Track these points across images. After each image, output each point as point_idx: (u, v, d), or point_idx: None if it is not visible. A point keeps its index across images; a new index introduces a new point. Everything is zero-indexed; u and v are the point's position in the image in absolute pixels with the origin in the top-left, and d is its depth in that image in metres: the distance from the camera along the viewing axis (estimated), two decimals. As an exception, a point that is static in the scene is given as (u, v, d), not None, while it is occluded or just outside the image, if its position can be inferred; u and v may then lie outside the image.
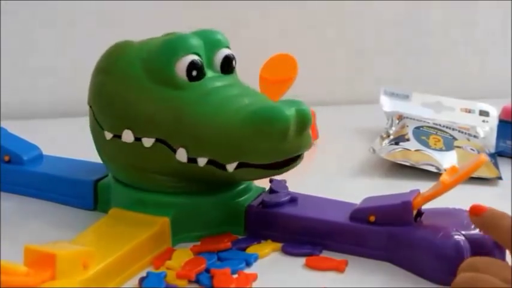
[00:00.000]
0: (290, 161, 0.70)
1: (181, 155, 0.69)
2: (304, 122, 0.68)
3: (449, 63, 1.20)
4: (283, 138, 0.67)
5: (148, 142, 0.70)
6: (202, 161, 0.69)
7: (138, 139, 0.70)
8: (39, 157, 0.84)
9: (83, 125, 0.77)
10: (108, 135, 0.72)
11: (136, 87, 0.71)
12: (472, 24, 1.19)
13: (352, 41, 1.17)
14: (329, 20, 1.16)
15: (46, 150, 0.85)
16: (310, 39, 1.16)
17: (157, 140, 0.70)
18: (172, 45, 0.71)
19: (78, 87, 0.78)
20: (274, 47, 0.96)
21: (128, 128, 0.71)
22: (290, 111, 0.66)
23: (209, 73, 0.72)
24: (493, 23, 1.19)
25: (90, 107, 0.74)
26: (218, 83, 0.72)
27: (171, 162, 0.70)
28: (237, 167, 0.68)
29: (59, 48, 1.11)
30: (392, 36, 1.18)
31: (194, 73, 0.70)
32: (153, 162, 0.71)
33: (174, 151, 0.70)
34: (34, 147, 0.84)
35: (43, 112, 1.10)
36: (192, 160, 0.69)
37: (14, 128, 0.86)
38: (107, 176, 0.78)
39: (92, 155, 0.77)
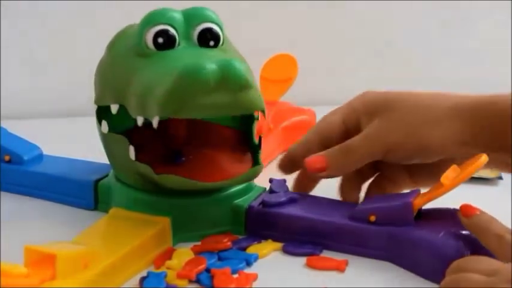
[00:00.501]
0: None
1: (140, 121, 0.69)
2: (228, 75, 0.65)
3: (449, 63, 1.20)
4: (204, 90, 0.65)
5: (114, 108, 0.71)
6: (140, 120, 0.69)
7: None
8: (40, 157, 0.84)
9: (83, 125, 0.77)
10: (104, 128, 0.72)
11: (123, 60, 0.72)
12: (472, 24, 1.19)
13: (352, 41, 1.17)
14: (329, 19, 1.16)
15: (46, 150, 0.85)
16: (310, 39, 1.16)
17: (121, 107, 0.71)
18: (147, 17, 0.71)
19: (79, 87, 0.78)
20: (274, 47, 0.96)
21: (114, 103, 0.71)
22: (210, 65, 0.65)
23: (183, 44, 0.71)
24: (493, 23, 1.19)
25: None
26: (187, 52, 0.70)
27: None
28: None
29: (59, 48, 1.11)
30: (392, 36, 1.18)
31: (160, 40, 0.70)
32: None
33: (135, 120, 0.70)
34: (34, 147, 0.84)
35: (43, 112, 1.10)
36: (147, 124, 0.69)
37: (14, 128, 0.86)
38: (107, 176, 0.78)
39: (92, 155, 0.78)
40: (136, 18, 1.05)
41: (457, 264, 0.58)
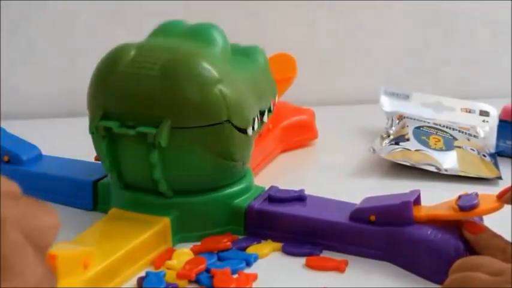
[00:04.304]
0: None
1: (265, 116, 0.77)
2: None
3: (449, 63, 1.20)
4: None
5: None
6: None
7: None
8: (39, 157, 0.83)
9: (82, 125, 0.77)
10: (251, 131, 0.73)
11: (233, 75, 0.72)
12: (472, 24, 1.19)
13: (352, 40, 1.17)
14: (329, 19, 1.16)
15: (46, 150, 0.84)
16: (310, 38, 1.15)
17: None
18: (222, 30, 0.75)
19: (79, 87, 0.78)
20: (274, 47, 0.96)
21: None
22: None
23: None
24: (493, 22, 1.19)
25: (227, 121, 0.70)
26: None
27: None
28: None
29: (59, 48, 1.11)
30: (392, 36, 1.18)
31: None
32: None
33: None
34: (33, 147, 0.84)
35: (43, 112, 1.10)
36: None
37: (14, 128, 0.86)
38: (106, 176, 0.78)
39: (92, 155, 0.77)
40: (136, 19, 1.05)
41: (462, 263, 0.58)
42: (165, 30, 0.75)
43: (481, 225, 0.66)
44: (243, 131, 0.71)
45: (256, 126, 0.74)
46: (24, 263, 0.44)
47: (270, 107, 0.78)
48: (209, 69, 0.70)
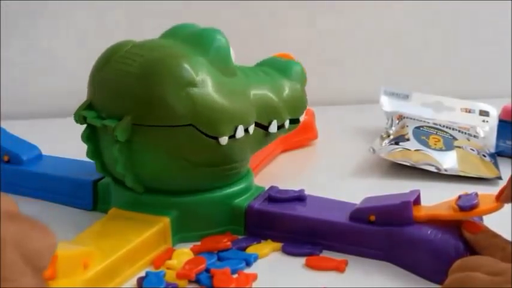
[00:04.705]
0: None
1: (273, 127, 0.76)
2: None
3: (450, 63, 1.20)
4: None
5: (251, 128, 0.73)
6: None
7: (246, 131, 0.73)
8: (39, 157, 0.84)
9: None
10: (224, 140, 0.70)
11: (223, 86, 0.71)
12: (472, 24, 1.19)
13: (352, 40, 1.17)
14: (329, 19, 1.16)
15: (46, 150, 0.84)
16: (310, 38, 1.15)
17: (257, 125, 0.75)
18: (224, 40, 0.74)
19: (79, 87, 0.78)
20: (274, 47, 0.96)
21: (239, 124, 0.72)
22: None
23: None
24: (493, 22, 1.19)
25: (191, 125, 0.70)
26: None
27: (262, 139, 0.76)
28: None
29: (60, 48, 1.11)
30: (392, 36, 1.18)
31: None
32: (251, 147, 0.75)
33: (266, 128, 0.75)
34: (33, 147, 0.84)
35: (43, 112, 1.10)
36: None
37: (14, 128, 0.86)
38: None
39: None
40: (136, 19, 1.05)
41: (461, 263, 0.58)
42: (173, 32, 0.75)
43: (481, 225, 0.66)
44: (214, 138, 0.71)
45: (239, 135, 0.71)
46: (23, 283, 0.44)
47: (286, 122, 0.78)
48: (183, 71, 0.69)
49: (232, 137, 0.71)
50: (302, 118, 0.80)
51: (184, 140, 0.70)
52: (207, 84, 0.70)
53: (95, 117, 0.72)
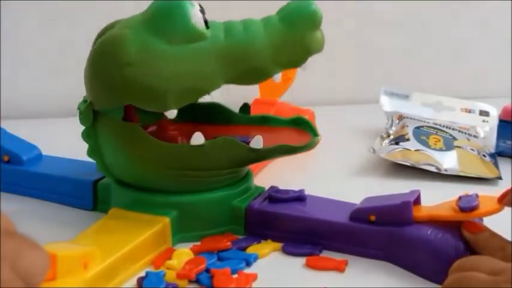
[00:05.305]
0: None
1: (257, 142, 0.72)
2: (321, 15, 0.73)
3: (450, 63, 1.20)
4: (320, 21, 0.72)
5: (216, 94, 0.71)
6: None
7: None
8: (39, 157, 0.83)
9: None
10: (172, 113, 0.70)
11: (172, 56, 0.69)
12: (472, 24, 1.19)
13: (353, 40, 1.17)
14: (329, 19, 1.16)
15: (46, 150, 0.84)
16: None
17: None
18: (177, 4, 0.71)
19: (79, 87, 0.78)
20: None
21: (193, 94, 0.70)
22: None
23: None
24: (493, 22, 1.19)
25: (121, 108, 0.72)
26: (219, 23, 0.72)
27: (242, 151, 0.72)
28: None
29: (60, 48, 1.11)
30: (393, 36, 1.18)
31: (205, 20, 0.71)
32: (222, 158, 0.72)
33: (247, 143, 0.71)
34: (33, 147, 0.84)
35: (43, 112, 1.10)
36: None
37: (14, 128, 0.86)
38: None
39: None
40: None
41: (461, 263, 0.58)
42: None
43: (480, 225, 0.66)
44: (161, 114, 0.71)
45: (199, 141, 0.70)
46: None
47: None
48: (119, 52, 0.70)
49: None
50: (302, 66, 0.73)
51: (127, 132, 0.71)
52: (144, 61, 0.69)
53: (83, 105, 0.74)
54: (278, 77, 0.72)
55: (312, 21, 0.72)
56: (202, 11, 0.72)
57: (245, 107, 0.79)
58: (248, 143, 0.72)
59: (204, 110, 0.79)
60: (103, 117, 0.72)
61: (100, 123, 0.73)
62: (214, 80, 0.70)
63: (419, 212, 0.68)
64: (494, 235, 0.65)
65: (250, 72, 0.71)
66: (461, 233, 0.66)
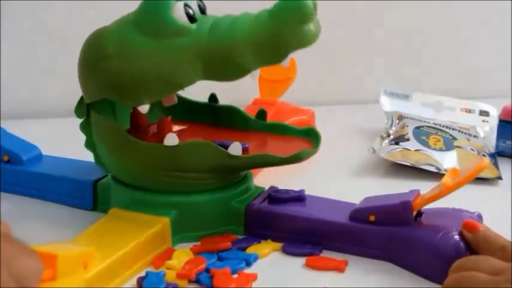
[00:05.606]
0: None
1: (236, 149, 0.71)
2: (315, 5, 0.69)
3: (450, 63, 1.20)
4: (311, 16, 0.68)
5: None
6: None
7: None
8: (39, 157, 0.83)
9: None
10: (145, 108, 0.70)
11: (150, 50, 0.69)
12: (472, 24, 1.19)
13: (353, 40, 1.17)
14: (329, 19, 1.16)
15: (46, 150, 0.84)
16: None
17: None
18: None
19: (78, 87, 0.78)
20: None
21: (166, 91, 0.70)
22: None
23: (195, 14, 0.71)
24: (493, 22, 1.19)
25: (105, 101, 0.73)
26: (211, 18, 0.71)
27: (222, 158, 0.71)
28: None
29: (60, 48, 1.10)
30: (392, 36, 1.18)
31: (192, 15, 0.70)
32: (199, 161, 0.71)
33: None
34: (33, 147, 0.84)
35: (43, 112, 1.10)
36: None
37: (14, 128, 0.86)
38: (106, 176, 0.78)
39: (91, 156, 0.77)
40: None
41: (461, 263, 0.58)
42: None
43: (480, 225, 0.66)
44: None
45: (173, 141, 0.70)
46: None
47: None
48: (97, 46, 0.71)
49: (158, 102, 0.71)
50: (285, 63, 0.70)
51: (110, 129, 0.72)
52: (122, 54, 0.70)
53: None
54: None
55: (296, 14, 0.67)
56: (200, 6, 0.72)
57: (233, 108, 0.80)
58: (227, 148, 0.71)
59: (222, 112, 0.80)
60: (93, 112, 0.74)
61: (92, 118, 0.74)
62: (189, 75, 0.69)
63: (415, 201, 0.68)
64: (494, 235, 0.64)
65: (228, 67, 0.69)
66: (461, 232, 0.66)
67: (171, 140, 0.70)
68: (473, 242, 0.65)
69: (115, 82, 0.70)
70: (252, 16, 0.69)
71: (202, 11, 0.72)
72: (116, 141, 0.72)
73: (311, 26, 0.68)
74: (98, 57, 0.71)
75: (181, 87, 0.70)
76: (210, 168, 0.72)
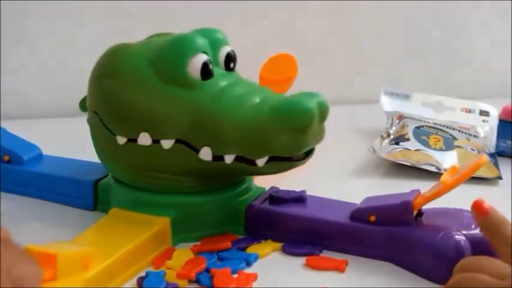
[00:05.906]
0: (311, 151, 0.71)
1: (206, 154, 0.69)
2: (324, 113, 0.70)
3: (450, 63, 1.20)
4: (308, 130, 0.68)
5: (167, 144, 0.70)
6: (229, 158, 0.69)
7: (156, 141, 0.70)
8: (39, 157, 0.83)
9: (83, 125, 0.77)
10: (122, 140, 0.71)
11: (148, 88, 0.70)
12: (472, 24, 1.19)
13: (353, 40, 1.17)
14: (329, 19, 1.16)
15: (46, 150, 0.84)
16: (311, 38, 1.15)
17: (177, 141, 0.70)
18: (182, 45, 0.71)
19: (79, 87, 0.78)
20: (274, 47, 0.96)
21: (144, 131, 0.70)
22: (313, 104, 0.68)
23: (215, 71, 0.72)
24: (493, 22, 1.19)
25: (95, 112, 0.73)
26: (227, 81, 0.71)
27: (192, 162, 0.70)
28: (267, 162, 0.69)
29: (60, 48, 1.10)
30: (392, 36, 1.18)
31: (207, 72, 0.70)
32: (172, 163, 0.71)
33: (197, 151, 0.69)
34: (34, 147, 0.84)
35: (43, 112, 1.10)
36: (217, 158, 0.69)
37: (14, 128, 0.86)
38: (107, 176, 0.78)
39: (92, 155, 0.77)
40: (137, 18, 1.05)
41: (464, 264, 0.57)
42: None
43: (490, 207, 0.61)
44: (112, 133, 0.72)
45: (143, 142, 0.70)
46: None
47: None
48: (104, 62, 0.73)
49: (133, 140, 0.71)
50: (261, 163, 0.69)
51: (92, 127, 0.74)
52: (126, 81, 0.71)
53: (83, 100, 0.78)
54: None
55: (290, 122, 0.67)
56: (231, 57, 0.73)
57: None
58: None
59: None
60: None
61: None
62: (172, 127, 0.70)
63: (415, 201, 0.68)
64: (503, 222, 0.60)
65: (210, 137, 0.69)
66: (472, 213, 0.62)
67: (144, 139, 0.70)
68: (482, 226, 0.61)
69: (105, 101, 0.72)
70: (255, 103, 0.69)
71: (231, 59, 0.73)
72: (102, 140, 0.74)
73: (305, 137, 0.69)
74: (104, 72, 0.73)
75: (161, 137, 0.70)
76: (185, 171, 0.72)
